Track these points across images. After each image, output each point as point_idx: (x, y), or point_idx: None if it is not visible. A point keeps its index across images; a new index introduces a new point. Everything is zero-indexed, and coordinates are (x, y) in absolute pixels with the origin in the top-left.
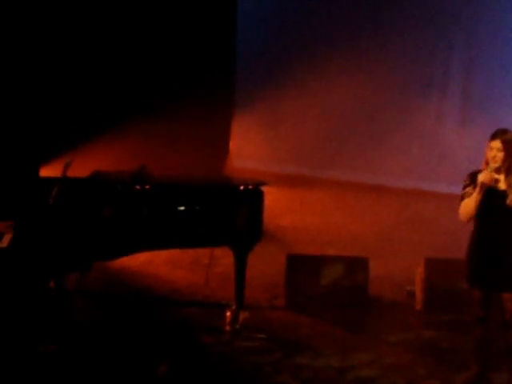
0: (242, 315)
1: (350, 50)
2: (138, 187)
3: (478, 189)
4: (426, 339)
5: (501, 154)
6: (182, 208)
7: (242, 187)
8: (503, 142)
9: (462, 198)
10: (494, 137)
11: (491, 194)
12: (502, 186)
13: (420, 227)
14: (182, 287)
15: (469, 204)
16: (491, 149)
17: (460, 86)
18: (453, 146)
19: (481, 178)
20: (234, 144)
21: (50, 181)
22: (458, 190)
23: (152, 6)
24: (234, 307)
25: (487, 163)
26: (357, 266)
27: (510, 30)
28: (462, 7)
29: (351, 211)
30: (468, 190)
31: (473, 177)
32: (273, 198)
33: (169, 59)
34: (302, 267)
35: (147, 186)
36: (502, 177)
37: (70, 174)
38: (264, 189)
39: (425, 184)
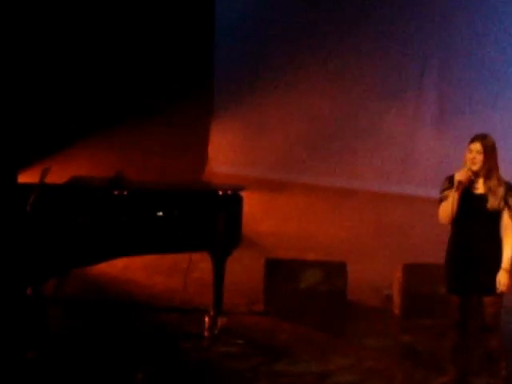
0: (221, 321)
1: (325, 55)
2: (115, 193)
3: (455, 188)
4: (404, 344)
5: (480, 157)
6: (160, 213)
7: (220, 192)
8: (483, 146)
9: (441, 201)
10: (474, 139)
11: (470, 198)
12: (481, 189)
13: (398, 231)
14: (160, 293)
15: (447, 205)
16: (470, 151)
17: (435, 89)
18: (429, 150)
19: (458, 176)
20: (212, 149)
21: (27, 187)
22: (435, 193)
23: (131, 14)
24: (212, 313)
25: (465, 166)
26: (335, 270)
27: (486, 33)
28: (437, 9)
29: (329, 216)
30: (447, 193)
31: (451, 180)
32: (251, 203)
33: (147, 65)
34: (280, 272)
35: (125, 192)
36: (480, 181)
37: (48, 180)
38: (242, 194)
39: (402, 188)
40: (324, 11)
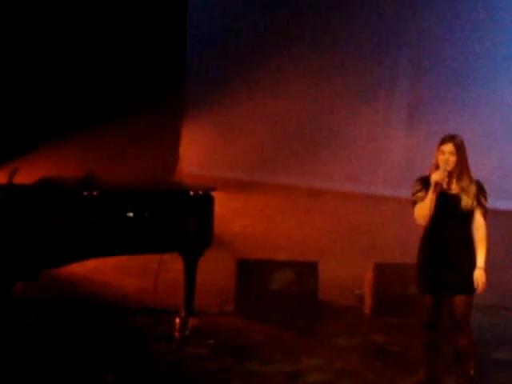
0: (192, 321)
1: (297, 57)
2: (85, 193)
3: (432, 188)
4: (374, 343)
5: (453, 158)
6: (131, 214)
7: (191, 193)
8: (455, 146)
9: (415, 202)
10: (445, 141)
11: (444, 198)
12: (454, 189)
13: (368, 231)
14: (131, 294)
15: (424, 206)
16: (443, 152)
17: (406, 90)
18: (398, 151)
19: (434, 177)
20: (184, 150)
21: None
22: (405, 193)
23: (102, 16)
24: (183, 314)
25: (437, 167)
26: (306, 270)
27: (456, 35)
28: (408, 11)
29: (300, 216)
30: (420, 194)
31: (423, 182)
32: (223, 204)
33: (118, 66)
34: (251, 272)
35: (95, 192)
36: (453, 181)
37: (17, 180)
38: (214, 194)
39: (371, 188)
40: (295, 13)
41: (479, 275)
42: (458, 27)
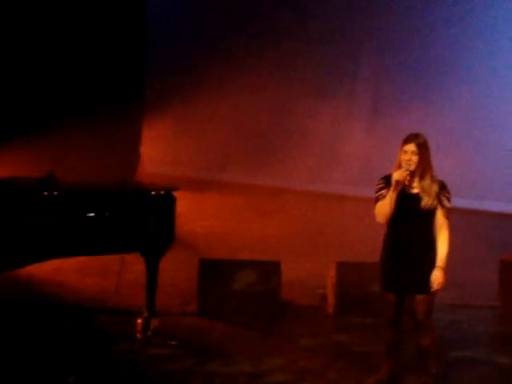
0: (154, 322)
1: (257, 55)
2: (45, 193)
3: (392, 187)
4: (337, 342)
5: (415, 158)
6: (92, 214)
7: (153, 192)
8: (418, 146)
9: (377, 200)
10: (408, 140)
11: (405, 197)
12: (416, 189)
13: (330, 230)
14: (92, 295)
15: (385, 204)
16: (405, 152)
17: (368, 90)
18: (361, 150)
19: (395, 176)
20: (145, 149)
21: None
22: (366, 192)
23: (63, 14)
24: (145, 314)
25: (399, 167)
26: (269, 270)
27: (419, 34)
28: (370, 9)
29: (262, 215)
30: (383, 192)
31: (386, 180)
32: (185, 203)
33: (78, 65)
34: (214, 272)
35: (55, 193)
36: (416, 180)
37: None
38: (176, 194)
39: (333, 187)
40: (254, 12)
41: (437, 274)
42: (419, 27)
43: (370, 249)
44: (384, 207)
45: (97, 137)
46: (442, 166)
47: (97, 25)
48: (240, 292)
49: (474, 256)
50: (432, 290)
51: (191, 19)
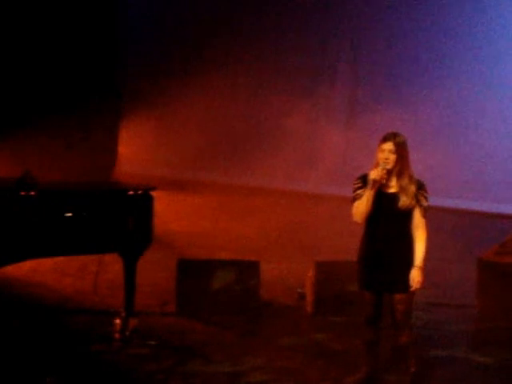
0: (132, 322)
1: (233, 56)
2: (22, 193)
3: (369, 186)
4: (316, 342)
5: (393, 156)
6: (69, 214)
7: (131, 192)
8: (395, 145)
9: (354, 200)
10: (386, 139)
11: (383, 197)
12: (394, 188)
13: (309, 229)
14: (70, 295)
15: (362, 203)
16: (383, 151)
17: (346, 89)
18: (339, 149)
19: (372, 175)
20: (122, 149)
21: None
22: (344, 191)
23: (38, 15)
24: (123, 314)
25: (377, 166)
26: (248, 269)
27: (396, 33)
28: (348, 9)
29: (241, 214)
30: (360, 191)
31: (363, 179)
32: (162, 203)
33: (54, 66)
34: (192, 272)
35: (32, 193)
36: (393, 179)
37: None
38: (154, 193)
39: (311, 186)
40: (229, 10)
41: (415, 274)
42: (396, 27)
43: (348, 248)
44: (361, 207)
45: (74, 137)
46: (419, 164)
47: (72, 24)
48: (219, 292)
49: (452, 255)
50: (411, 289)
51: (168, 19)
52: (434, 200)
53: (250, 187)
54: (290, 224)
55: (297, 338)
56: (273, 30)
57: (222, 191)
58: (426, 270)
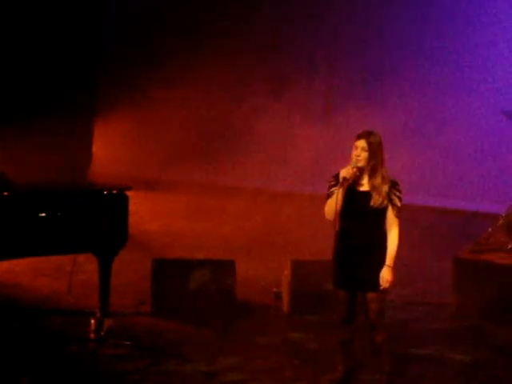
0: (107, 322)
1: (207, 57)
2: None
3: (339, 184)
4: (293, 341)
5: (365, 154)
6: (44, 214)
7: (105, 192)
8: (368, 143)
9: (328, 197)
10: (360, 137)
11: (354, 195)
12: (366, 187)
13: (284, 228)
14: (45, 296)
15: (332, 201)
16: (356, 148)
17: (322, 88)
18: (313, 148)
19: (343, 173)
20: (97, 149)
21: None
22: (321, 190)
23: (15, 15)
24: (98, 314)
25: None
26: (224, 269)
27: (374, 33)
28: (326, 8)
29: (215, 214)
30: (333, 189)
31: (338, 177)
32: (138, 203)
33: (29, 65)
34: (168, 272)
35: (6, 193)
36: (366, 178)
37: None
38: (129, 193)
39: (286, 185)
40: (204, 10)
41: (385, 273)
42: (373, 26)
43: (324, 247)
44: (331, 204)
45: (48, 137)
46: (395, 163)
47: (48, 26)
48: (194, 291)
49: (428, 253)
50: (380, 287)
51: (145, 21)
52: (410, 199)
53: (225, 187)
54: (265, 223)
55: (273, 337)
56: (247, 31)
57: (197, 191)
58: (400, 268)
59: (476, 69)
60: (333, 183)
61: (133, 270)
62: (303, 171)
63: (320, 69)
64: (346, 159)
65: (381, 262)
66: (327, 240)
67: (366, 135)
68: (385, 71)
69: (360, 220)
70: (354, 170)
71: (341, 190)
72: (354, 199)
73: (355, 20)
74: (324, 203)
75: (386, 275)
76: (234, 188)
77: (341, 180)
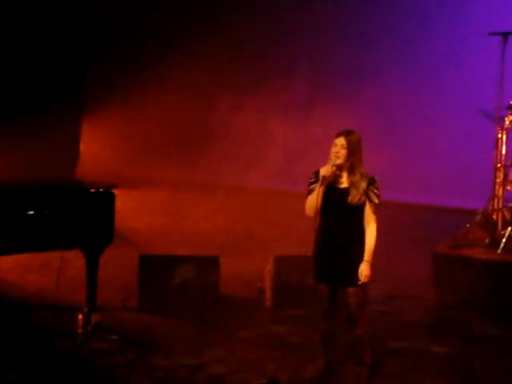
0: (95, 317)
1: (189, 54)
2: None
3: (319, 182)
4: (275, 334)
5: (344, 152)
6: (31, 212)
7: (92, 190)
8: (347, 140)
9: (308, 194)
10: (339, 134)
11: (334, 192)
12: (345, 184)
13: (266, 225)
14: (33, 292)
15: (312, 198)
16: (335, 145)
17: (303, 86)
18: (298, 146)
19: (322, 171)
20: (84, 147)
21: None
22: (300, 187)
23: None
24: (86, 310)
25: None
26: (208, 264)
27: (355, 32)
28: (307, 6)
29: (200, 211)
30: (314, 186)
31: (318, 174)
32: (124, 201)
33: (16, 63)
34: (154, 268)
35: None
36: (345, 175)
37: None
38: (115, 191)
39: (271, 183)
40: (181, 10)
41: (363, 268)
42: (353, 26)
43: (305, 242)
44: (312, 201)
45: (36, 135)
46: (374, 160)
47: (36, 24)
48: (179, 287)
49: (407, 248)
50: (359, 282)
51: (131, 21)
52: (389, 195)
53: (209, 184)
54: (247, 220)
55: (256, 330)
56: (227, 28)
57: (179, 189)
58: (381, 263)
59: (451, 69)
60: (312, 180)
61: (119, 266)
62: (280, 169)
63: (299, 67)
64: (324, 156)
65: (360, 258)
66: (308, 236)
67: (345, 133)
68: (364, 71)
69: (339, 216)
70: (334, 168)
71: (321, 188)
72: (334, 196)
73: (337, 19)
74: (304, 200)
75: (364, 270)
76: (218, 186)
77: (321, 178)
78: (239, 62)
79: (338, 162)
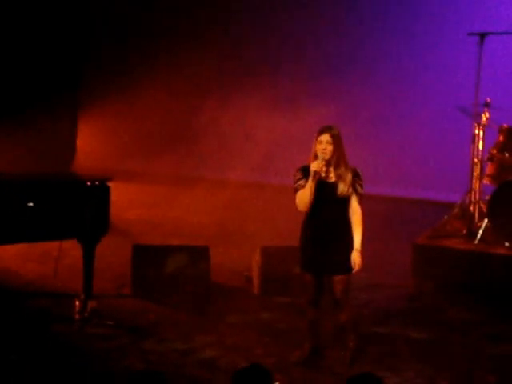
0: (91, 304)
1: (179, 51)
2: None
3: (311, 177)
4: (263, 321)
5: (330, 147)
6: (30, 204)
7: (88, 183)
8: (332, 136)
9: (296, 190)
10: (322, 131)
11: (322, 186)
12: (332, 178)
13: (255, 217)
14: (32, 280)
15: (304, 193)
16: (320, 142)
17: (288, 82)
18: (284, 141)
19: (313, 167)
20: (80, 142)
21: None
22: (285, 181)
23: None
24: (82, 297)
25: (315, 157)
26: (199, 254)
27: (339, 27)
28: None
29: (191, 203)
30: (301, 182)
31: (304, 171)
32: (119, 193)
33: (13, 58)
34: (146, 257)
35: None
36: (331, 169)
37: None
38: (110, 184)
39: (255, 176)
40: (171, 10)
41: (355, 256)
42: (338, 21)
43: (291, 233)
44: (304, 197)
45: (33, 130)
46: (355, 154)
47: (32, 21)
48: (171, 275)
49: (388, 239)
50: (352, 271)
51: (125, 18)
52: (369, 188)
53: (199, 177)
54: (238, 212)
55: (244, 317)
56: (213, 26)
57: (173, 182)
58: (363, 253)
59: (432, 67)
60: (299, 177)
61: (114, 256)
62: (263, 163)
63: (284, 62)
64: (305, 151)
65: (347, 246)
66: (293, 227)
67: (328, 129)
68: (349, 69)
69: (327, 208)
70: (323, 163)
71: (313, 183)
72: (322, 190)
73: (321, 14)
74: (291, 195)
75: (357, 259)
76: (208, 179)
77: (312, 174)
78: (226, 61)
79: (327, 157)
